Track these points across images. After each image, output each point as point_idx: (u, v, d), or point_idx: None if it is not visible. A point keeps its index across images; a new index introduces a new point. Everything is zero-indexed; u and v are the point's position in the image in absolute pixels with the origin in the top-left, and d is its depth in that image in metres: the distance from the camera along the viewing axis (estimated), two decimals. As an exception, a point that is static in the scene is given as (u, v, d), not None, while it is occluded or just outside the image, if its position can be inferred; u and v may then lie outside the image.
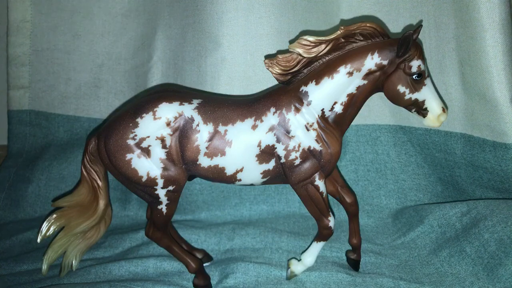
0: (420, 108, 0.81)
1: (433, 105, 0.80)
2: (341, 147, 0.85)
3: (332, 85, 0.80)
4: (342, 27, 0.78)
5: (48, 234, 0.88)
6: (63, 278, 0.93)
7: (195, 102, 0.83)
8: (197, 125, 0.81)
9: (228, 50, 1.05)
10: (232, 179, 0.84)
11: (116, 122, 0.82)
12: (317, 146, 0.81)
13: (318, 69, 0.81)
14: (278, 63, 0.81)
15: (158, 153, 0.80)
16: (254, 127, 0.82)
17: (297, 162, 0.82)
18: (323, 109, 0.82)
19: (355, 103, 0.83)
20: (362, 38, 0.79)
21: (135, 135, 0.80)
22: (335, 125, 0.83)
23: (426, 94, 0.79)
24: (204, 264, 0.98)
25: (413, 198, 1.14)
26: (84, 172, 0.90)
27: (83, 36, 1.18)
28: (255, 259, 0.98)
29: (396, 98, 0.81)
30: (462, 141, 1.02)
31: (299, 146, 0.81)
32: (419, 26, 0.78)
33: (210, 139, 0.81)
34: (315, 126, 0.82)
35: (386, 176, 1.16)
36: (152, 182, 0.81)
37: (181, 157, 0.81)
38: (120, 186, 0.89)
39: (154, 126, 0.80)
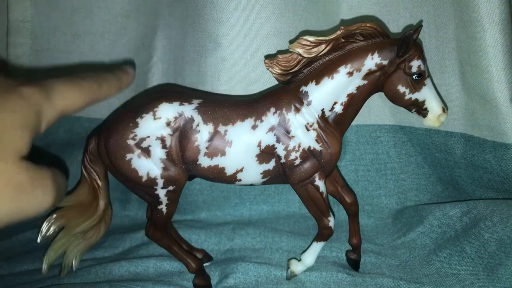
0: (420, 108, 0.81)
1: (433, 105, 0.80)
2: (341, 147, 0.85)
3: (332, 85, 0.81)
4: (342, 27, 0.78)
5: (48, 234, 0.88)
6: (63, 278, 0.93)
7: (195, 102, 0.83)
8: (197, 125, 0.81)
9: (228, 50, 1.05)
10: (232, 179, 0.84)
11: (116, 122, 0.82)
12: (317, 146, 0.81)
13: (318, 69, 0.82)
14: (278, 63, 0.81)
15: (158, 153, 0.80)
16: (254, 127, 0.82)
17: (297, 162, 0.82)
18: (323, 109, 0.82)
19: (355, 103, 0.83)
20: (362, 38, 0.79)
21: (135, 135, 0.80)
22: (335, 125, 0.83)
23: (426, 94, 0.80)
24: (204, 264, 0.98)
25: (413, 198, 1.14)
26: (84, 172, 0.90)
27: (83, 36, 1.18)
28: (255, 259, 0.98)
29: (396, 98, 0.81)
30: (462, 141, 1.02)
31: (299, 146, 0.81)
32: (419, 26, 0.78)
33: (210, 139, 0.81)
34: (315, 126, 0.82)
35: (386, 176, 1.16)
36: (152, 182, 0.81)
37: (181, 157, 0.81)
38: (120, 186, 0.89)
39: (154, 126, 0.80)
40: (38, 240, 0.88)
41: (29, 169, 0.46)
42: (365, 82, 0.81)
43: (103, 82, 0.63)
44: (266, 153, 0.82)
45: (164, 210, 0.85)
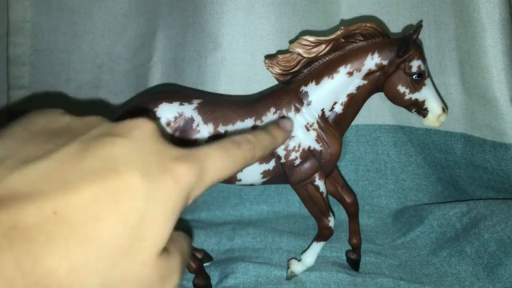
0: (420, 108, 0.81)
1: (433, 105, 0.80)
2: (341, 147, 0.85)
3: (332, 85, 0.81)
4: (342, 27, 0.78)
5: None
6: (63, 278, 0.93)
7: (195, 102, 0.83)
8: (197, 125, 0.81)
9: (228, 50, 1.05)
10: (232, 179, 0.84)
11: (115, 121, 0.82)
12: (317, 146, 0.81)
13: (318, 69, 0.82)
14: (278, 63, 0.81)
15: (158, 153, 0.80)
16: (254, 127, 0.82)
17: (297, 162, 0.82)
18: (323, 109, 0.82)
19: (355, 103, 0.83)
20: (362, 38, 0.79)
21: (135, 135, 0.80)
22: (335, 125, 0.83)
23: (426, 94, 0.80)
24: (204, 264, 0.98)
25: (413, 198, 1.14)
26: (84, 172, 0.90)
27: (83, 36, 1.18)
28: (255, 259, 0.98)
29: (396, 98, 0.81)
30: (462, 141, 1.02)
31: (299, 146, 0.81)
32: (419, 26, 0.78)
33: (210, 139, 0.81)
34: (315, 126, 0.82)
35: (386, 176, 1.16)
36: (152, 182, 0.81)
37: (181, 157, 0.81)
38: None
39: (154, 126, 0.80)
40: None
41: (162, 265, 0.38)
42: (365, 82, 0.81)
43: (258, 147, 0.52)
44: (266, 153, 0.82)
45: (164, 210, 0.85)
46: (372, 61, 0.79)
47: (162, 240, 0.37)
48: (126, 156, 0.37)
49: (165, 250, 0.39)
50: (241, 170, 0.82)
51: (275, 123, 0.62)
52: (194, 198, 0.43)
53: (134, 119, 0.42)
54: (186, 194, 0.41)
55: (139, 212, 0.36)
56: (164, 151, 0.40)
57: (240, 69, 1.06)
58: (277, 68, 0.82)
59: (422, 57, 0.79)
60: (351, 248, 0.98)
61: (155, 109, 0.81)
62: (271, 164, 0.83)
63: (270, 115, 0.82)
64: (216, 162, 0.44)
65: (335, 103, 0.82)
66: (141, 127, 0.41)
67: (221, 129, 0.81)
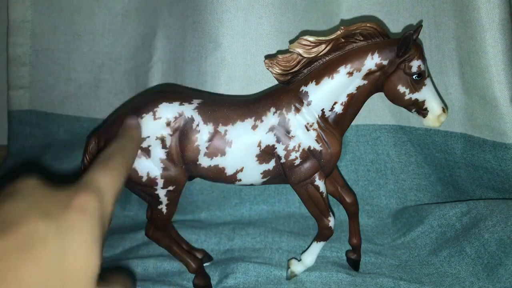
0: (420, 108, 0.81)
1: (433, 105, 0.80)
2: (341, 147, 0.85)
3: (332, 85, 0.81)
4: (342, 27, 0.78)
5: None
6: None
7: (195, 102, 0.83)
8: (197, 125, 0.81)
9: (228, 50, 1.05)
10: (232, 179, 0.84)
11: (116, 122, 0.82)
12: (317, 146, 0.81)
13: (318, 69, 0.81)
14: (278, 63, 0.81)
15: (158, 153, 0.80)
16: (254, 127, 0.82)
17: (297, 162, 0.82)
18: (323, 109, 0.82)
19: (355, 103, 0.83)
20: (362, 38, 0.79)
21: (135, 135, 0.80)
22: (335, 125, 0.83)
23: (426, 94, 0.79)
24: (204, 264, 0.98)
25: (413, 198, 1.14)
26: (84, 172, 0.90)
27: (83, 36, 1.18)
28: (255, 259, 0.98)
29: (396, 98, 0.81)
30: (462, 141, 1.02)
31: (299, 146, 0.81)
32: (419, 26, 0.78)
33: (210, 139, 0.81)
34: (315, 126, 0.82)
35: (386, 176, 1.16)
36: (152, 182, 0.81)
37: (181, 157, 0.81)
38: (120, 186, 0.89)
39: (154, 126, 0.80)
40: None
41: None
42: (365, 82, 0.81)
43: (127, 150, 0.60)
44: (266, 153, 0.82)
45: (164, 210, 0.85)
46: (372, 61, 0.79)
47: (93, 266, 0.40)
48: (21, 209, 0.39)
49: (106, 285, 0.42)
50: (241, 170, 0.82)
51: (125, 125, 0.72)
52: (108, 218, 0.46)
53: (14, 181, 0.44)
54: (98, 218, 0.43)
55: (55, 251, 0.37)
56: (56, 194, 0.43)
57: (240, 69, 1.06)
58: (277, 68, 0.82)
59: (422, 57, 0.79)
60: (351, 248, 0.98)
61: (155, 109, 0.81)
62: (271, 164, 0.83)
63: (270, 115, 0.82)
64: (106, 176, 0.48)
65: (335, 103, 0.82)
66: (24, 184, 0.43)
67: (221, 129, 0.81)
